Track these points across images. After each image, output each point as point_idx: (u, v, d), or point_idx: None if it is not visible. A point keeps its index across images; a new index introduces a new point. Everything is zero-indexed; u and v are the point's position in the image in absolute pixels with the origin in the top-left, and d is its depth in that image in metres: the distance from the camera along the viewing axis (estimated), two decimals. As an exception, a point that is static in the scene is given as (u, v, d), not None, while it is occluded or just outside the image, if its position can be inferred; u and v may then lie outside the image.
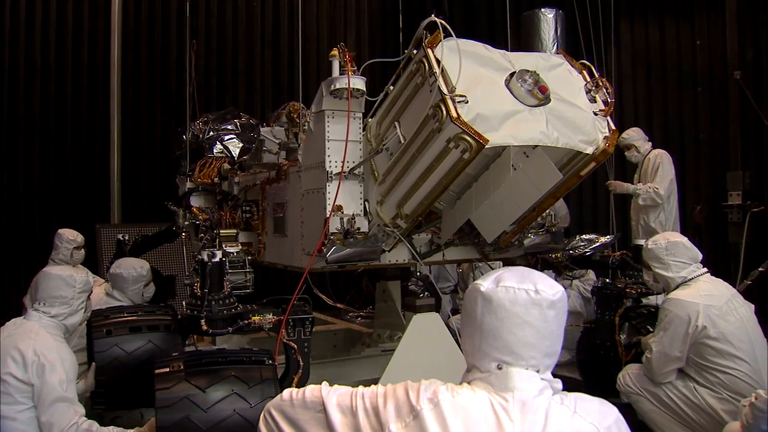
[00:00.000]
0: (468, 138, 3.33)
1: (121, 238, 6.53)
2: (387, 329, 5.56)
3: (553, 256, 5.40)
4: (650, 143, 7.33)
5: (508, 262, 6.18)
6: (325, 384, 1.92)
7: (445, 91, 3.37)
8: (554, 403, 1.66)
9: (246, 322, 3.57)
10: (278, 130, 5.18)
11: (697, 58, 8.28)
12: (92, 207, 9.22)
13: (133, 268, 5.35)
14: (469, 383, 1.74)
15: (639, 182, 7.29)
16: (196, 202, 5.72)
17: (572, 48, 8.07)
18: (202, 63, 9.79)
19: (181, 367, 3.30)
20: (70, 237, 6.26)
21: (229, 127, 6.21)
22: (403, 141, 3.75)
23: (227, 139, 6.06)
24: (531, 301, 1.68)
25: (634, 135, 7.33)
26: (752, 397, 3.21)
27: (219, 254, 3.60)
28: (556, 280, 6.57)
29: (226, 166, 5.48)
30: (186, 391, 3.19)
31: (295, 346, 3.65)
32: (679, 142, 8.37)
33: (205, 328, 3.46)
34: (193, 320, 3.50)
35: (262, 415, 2.00)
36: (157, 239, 6.78)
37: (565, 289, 6.02)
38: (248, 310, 3.66)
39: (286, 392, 1.96)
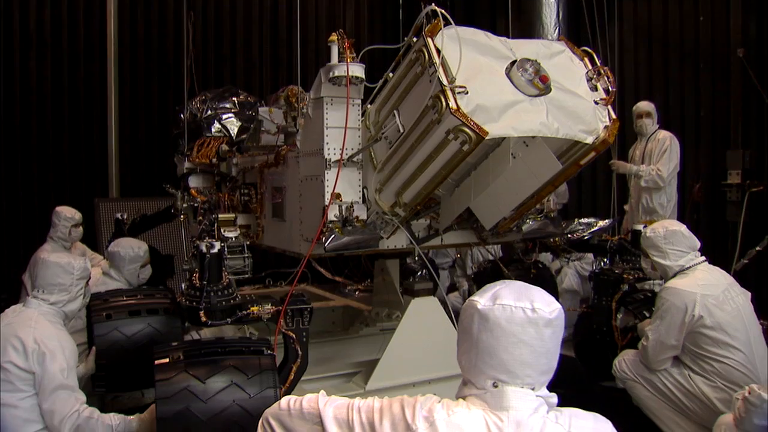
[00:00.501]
0: (467, 130, 3.31)
1: (120, 217, 6.52)
2: (385, 307, 5.60)
3: (552, 239, 5.41)
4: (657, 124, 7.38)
5: (507, 246, 6.22)
6: (322, 394, 1.94)
7: (444, 82, 3.34)
8: (549, 422, 1.67)
9: (245, 312, 3.59)
10: (277, 113, 5.14)
11: (700, 34, 8.16)
12: (90, 181, 9.20)
13: (131, 248, 5.37)
14: (464, 398, 1.75)
15: (639, 158, 7.27)
16: (194, 182, 5.71)
17: (574, 24, 7.99)
18: (200, 35, 9.70)
19: (181, 357, 3.32)
20: (67, 215, 6.26)
21: (227, 105, 6.17)
22: (402, 130, 3.73)
23: (225, 118, 6.03)
24: (527, 319, 1.68)
25: (653, 107, 7.40)
26: (746, 391, 3.25)
27: (217, 245, 3.60)
28: (553, 260, 6.67)
29: (225, 147, 5.45)
30: (186, 381, 3.20)
31: (294, 335, 3.66)
32: (680, 120, 8.29)
33: (204, 319, 3.47)
34: (192, 311, 3.51)
35: (260, 421, 2.03)
36: (155, 219, 6.78)
37: (562, 267, 6.08)
38: (247, 300, 3.67)
39: (284, 401, 1.98)
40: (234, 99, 6.27)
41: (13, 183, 8.79)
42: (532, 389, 1.70)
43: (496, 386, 1.70)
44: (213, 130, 5.97)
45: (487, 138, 3.36)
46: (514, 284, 1.78)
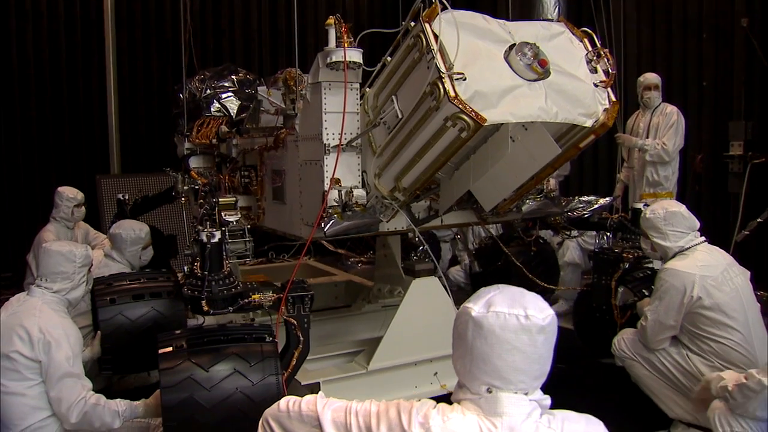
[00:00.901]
0: (466, 117, 3.31)
1: (122, 198, 6.53)
2: (387, 283, 5.64)
3: (552, 218, 5.43)
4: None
5: (507, 224, 6.23)
6: (320, 395, 1.98)
7: (442, 69, 3.33)
8: (542, 426, 1.70)
9: (246, 300, 3.62)
10: (275, 94, 5.12)
11: (703, 3, 8.04)
12: (91, 158, 9.20)
13: (133, 230, 5.40)
14: (459, 403, 1.79)
15: (644, 130, 7.20)
16: (194, 163, 5.71)
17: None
18: (197, 9, 9.59)
19: (184, 345, 3.37)
20: (70, 195, 6.28)
21: (226, 84, 6.13)
22: (400, 116, 3.72)
23: (225, 98, 5.99)
24: (521, 326, 1.70)
25: (660, 79, 7.33)
26: (742, 377, 3.29)
27: (217, 235, 3.61)
28: (554, 235, 6.66)
29: (224, 128, 5.43)
30: (189, 370, 3.25)
31: (295, 322, 3.70)
32: (682, 90, 8.20)
33: (206, 308, 3.51)
34: (194, 300, 3.55)
35: (260, 421, 2.07)
36: (157, 200, 6.80)
37: (564, 240, 6.08)
38: (248, 288, 3.70)
39: (283, 402, 2.02)
40: (233, 77, 6.23)
41: (14, 160, 8.80)
42: (526, 394, 1.73)
43: (490, 392, 1.72)
44: (212, 109, 5.94)
45: (485, 124, 3.35)
46: (508, 290, 1.80)
